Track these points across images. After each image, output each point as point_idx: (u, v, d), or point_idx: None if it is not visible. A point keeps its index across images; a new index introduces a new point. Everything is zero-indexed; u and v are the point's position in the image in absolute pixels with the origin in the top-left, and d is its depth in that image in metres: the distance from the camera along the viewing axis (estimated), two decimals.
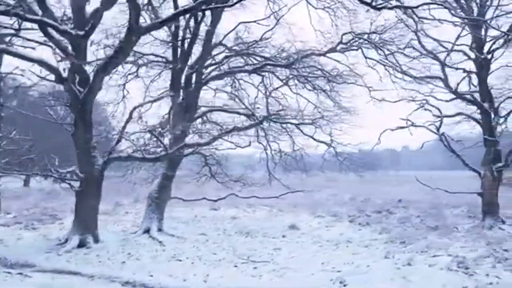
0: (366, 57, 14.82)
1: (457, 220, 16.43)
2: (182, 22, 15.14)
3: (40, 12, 9.83)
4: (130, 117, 11.32)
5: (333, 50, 14.63)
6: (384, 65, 14.81)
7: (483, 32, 14.76)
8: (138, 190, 20.82)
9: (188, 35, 14.86)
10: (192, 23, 14.79)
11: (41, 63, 9.94)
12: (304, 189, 17.72)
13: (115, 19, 11.58)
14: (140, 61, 15.91)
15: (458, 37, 14.52)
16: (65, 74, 10.07)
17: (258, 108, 16.10)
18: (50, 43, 10.00)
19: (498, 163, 14.92)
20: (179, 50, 14.78)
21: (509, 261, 9.14)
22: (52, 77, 10.51)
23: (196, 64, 14.34)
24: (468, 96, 15.38)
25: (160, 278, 8.71)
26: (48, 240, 12.53)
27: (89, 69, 11.29)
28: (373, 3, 8.48)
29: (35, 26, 10.20)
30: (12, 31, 11.80)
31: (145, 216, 14.04)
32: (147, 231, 13.46)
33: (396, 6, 9.29)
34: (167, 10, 14.60)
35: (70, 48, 10.75)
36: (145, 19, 13.38)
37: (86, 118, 11.41)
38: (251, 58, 16.40)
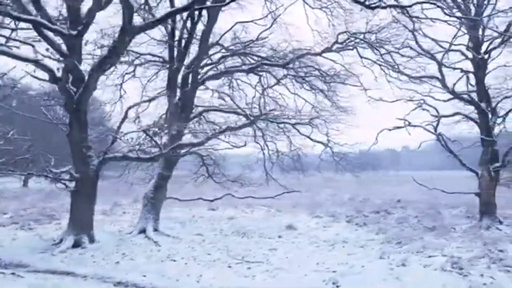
0: (361, 57, 14.79)
1: (455, 220, 16.39)
2: (179, 22, 15.20)
3: (34, 12, 9.79)
4: (125, 116, 11.28)
5: (328, 50, 14.58)
6: (380, 65, 14.77)
7: (480, 32, 14.70)
8: (137, 190, 20.81)
9: (185, 35, 14.85)
10: (189, 23, 14.80)
11: (35, 62, 9.91)
12: (303, 189, 17.70)
13: (111, 19, 11.50)
14: (137, 61, 15.94)
15: (455, 36, 14.47)
16: (59, 74, 10.05)
17: (255, 108, 16.10)
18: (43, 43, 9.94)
19: (495, 163, 14.87)
20: (175, 50, 14.75)
21: (504, 261, 9.11)
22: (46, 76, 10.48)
23: (192, 64, 14.30)
24: (465, 96, 15.33)
25: (152, 278, 8.70)
26: (43, 240, 12.49)
27: (84, 69, 11.29)
28: (367, 2, 8.47)
29: (30, 26, 10.15)
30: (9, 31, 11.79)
31: (141, 216, 14.03)
32: (142, 231, 13.44)
33: (389, 5, 9.25)
34: (164, 10, 14.63)
35: (65, 48, 10.74)
36: (143, 18, 13.33)
37: (81, 118, 11.39)
38: (248, 58, 16.36)
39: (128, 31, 9.10)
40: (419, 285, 8.06)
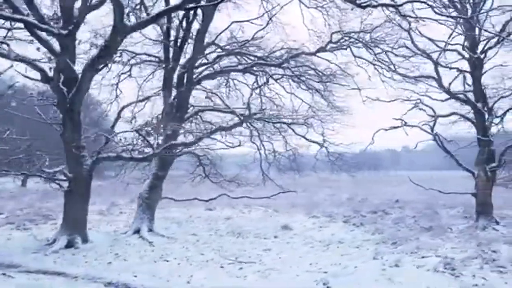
0: (355, 56, 14.74)
1: (452, 220, 16.31)
2: (175, 21, 15.19)
3: (25, 12, 9.76)
4: (119, 116, 11.25)
5: (323, 49, 14.53)
6: (374, 65, 14.72)
7: (476, 32, 14.64)
8: (134, 190, 20.78)
9: (181, 35, 14.82)
10: (184, 22, 14.79)
11: (27, 62, 9.89)
12: (300, 189, 17.64)
13: (104, 18, 11.47)
14: (133, 61, 15.93)
15: (451, 36, 14.40)
16: (51, 74, 10.02)
17: (251, 107, 16.04)
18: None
19: (492, 163, 14.80)
20: (171, 49, 14.73)
21: (496, 262, 9.06)
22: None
23: (188, 64, 14.28)
24: (461, 96, 15.27)
25: (143, 278, 8.65)
26: (37, 240, 12.44)
27: (78, 68, 11.26)
28: (358, 1, 8.42)
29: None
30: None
31: (135, 217, 14.00)
32: (137, 231, 13.40)
33: (380, 4, 9.20)
34: (160, 10, 14.61)
35: (58, 47, 10.71)
36: (136, 18, 13.31)
37: (75, 118, 11.36)
38: (244, 57, 16.33)
39: (119, 31, 9.06)
40: (410, 286, 8.01)
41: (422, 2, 10.15)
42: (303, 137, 15.83)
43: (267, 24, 15.01)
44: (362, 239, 13.13)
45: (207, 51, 15.65)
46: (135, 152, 11.57)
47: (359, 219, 17.29)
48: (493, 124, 15.61)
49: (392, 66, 14.90)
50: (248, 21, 15.69)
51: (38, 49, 9.98)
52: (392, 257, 10.10)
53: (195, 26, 15.06)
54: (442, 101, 16.15)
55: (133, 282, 8.42)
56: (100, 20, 11.70)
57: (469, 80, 15.70)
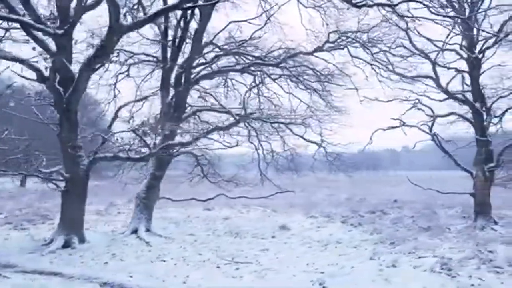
0: (352, 56, 14.72)
1: (450, 220, 16.29)
2: (174, 21, 15.18)
3: (21, 12, 9.75)
4: (116, 116, 11.23)
5: (320, 49, 14.51)
6: (371, 64, 14.69)
7: (474, 32, 14.61)
8: (133, 190, 20.74)
9: (180, 34, 14.81)
10: (182, 22, 14.77)
11: (22, 62, 9.87)
12: (299, 189, 17.58)
13: (100, 18, 11.44)
14: (130, 61, 15.90)
15: (448, 36, 14.39)
16: (46, 73, 10.00)
17: (249, 107, 16.05)
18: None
19: (490, 163, 14.77)
20: (169, 49, 14.72)
21: (493, 262, 9.03)
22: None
23: (185, 63, 14.26)
24: (459, 96, 15.24)
25: (139, 278, 8.62)
26: (34, 240, 12.45)
27: (74, 68, 11.25)
28: (353, 1, 8.40)
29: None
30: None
31: (133, 217, 13.99)
32: (134, 231, 13.40)
33: (376, 4, 9.17)
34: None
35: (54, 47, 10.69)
36: (133, 18, 13.28)
37: (72, 118, 11.34)
38: (243, 57, 16.30)
39: (115, 31, 9.04)
40: (406, 286, 8.00)
41: (417, 1, 10.12)
42: (301, 137, 15.81)
43: (265, 23, 14.99)
44: (360, 239, 13.11)
45: (205, 51, 15.62)
46: (132, 152, 11.54)
47: (357, 219, 17.27)
48: (491, 124, 15.58)
49: (390, 66, 14.87)
50: (246, 21, 15.66)
51: (33, 48, 9.96)
52: (390, 257, 10.08)
53: (193, 25, 15.09)
54: (441, 101, 16.12)
55: (129, 282, 8.39)
56: (96, 20, 11.66)
57: (468, 80, 15.68)
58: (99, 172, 35.18)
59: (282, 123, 15.13)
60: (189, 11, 14.02)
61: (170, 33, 14.91)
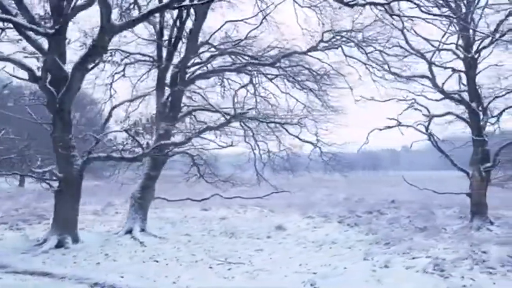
0: (346, 56, 14.67)
1: (447, 220, 16.22)
2: (170, 21, 15.16)
3: (14, 12, 9.73)
4: (110, 116, 11.21)
5: (314, 48, 14.47)
6: (365, 64, 14.64)
7: (471, 31, 14.54)
8: (130, 190, 20.75)
9: (175, 34, 14.78)
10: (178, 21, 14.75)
11: (14, 61, 9.84)
12: (296, 189, 17.51)
13: (93, 18, 11.41)
14: (126, 60, 15.88)
15: (444, 35, 14.34)
16: (39, 73, 9.98)
17: (245, 107, 16.02)
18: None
19: (486, 163, 14.71)
20: (164, 49, 14.70)
21: (486, 263, 8.98)
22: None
23: (180, 63, 14.24)
24: (456, 96, 15.18)
25: (130, 279, 8.59)
26: (28, 240, 12.39)
27: (69, 68, 11.21)
28: (345, 0, 8.36)
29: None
30: None
31: (128, 217, 13.96)
32: (129, 231, 13.35)
33: (367, 3, 9.13)
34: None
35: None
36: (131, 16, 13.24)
37: (65, 117, 11.31)
38: (239, 57, 16.27)
39: (107, 30, 9.02)
40: (398, 287, 7.95)
41: (408, 0, 10.07)
42: (297, 137, 15.76)
43: (261, 23, 14.94)
44: (356, 240, 13.06)
45: (200, 51, 15.59)
46: (126, 152, 11.51)
47: (353, 219, 17.20)
48: (488, 124, 15.53)
49: (385, 66, 14.82)
50: (242, 20, 15.64)
51: (24, 48, 9.94)
52: (383, 257, 10.02)
53: (189, 25, 15.05)
54: (437, 100, 16.05)
55: (120, 283, 8.35)
56: (89, 20, 11.63)
57: (464, 79, 15.61)
58: (98, 172, 35.20)
59: (277, 122, 15.09)
60: (184, 11, 13.96)
61: (166, 32, 14.92)
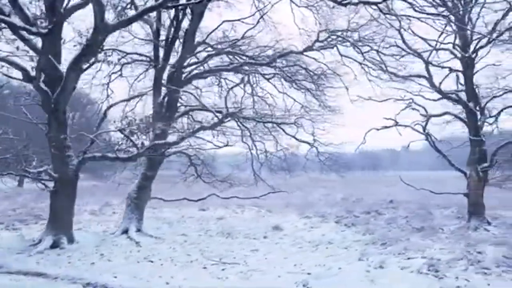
0: (341, 55, 14.64)
1: (444, 221, 16.17)
2: (167, 20, 15.13)
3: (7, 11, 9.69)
4: (105, 116, 11.17)
5: (310, 48, 14.44)
6: (361, 64, 14.61)
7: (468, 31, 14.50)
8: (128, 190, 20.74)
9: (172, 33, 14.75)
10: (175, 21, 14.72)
11: (8, 61, 9.81)
12: (294, 189, 17.46)
13: (87, 17, 11.38)
14: (124, 60, 15.86)
15: (441, 35, 14.29)
16: (33, 73, 9.95)
17: (243, 107, 16.02)
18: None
19: (483, 163, 14.65)
20: (161, 49, 14.67)
21: (481, 263, 8.93)
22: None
23: (177, 63, 14.21)
24: (453, 96, 15.13)
25: (123, 279, 8.56)
26: (24, 240, 12.36)
27: (64, 68, 11.18)
28: None
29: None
30: None
31: (124, 217, 13.94)
32: (125, 231, 13.33)
33: (360, 2, 9.09)
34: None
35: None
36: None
37: (60, 117, 11.28)
38: (237, 57, 16.24)
39: (101, 30, 8.99)
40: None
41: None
42: (293, 137, 15.75)
43: (258, 22, 14.94)
44: (352, 240, 13.01)
45: (197, 50, 15.56)
46: (121, 152, 11.48)
47: (351, 220, 17.18)
48: (486, 124, 15.47)
49: (382, 65, 14.77)
50: (239, 20, 15.62)
51: (17, 48, 9.91)
52: (378, 258, 9.97)
53: (186, 25, 15.01)
54: (435, 100, 16.00)
55: (113, 283, 8.33)
56: (85, 20, 11.60)
57: (462, 79, 15.56)
58: (98, 172, 35.16)
59: (273, 122, 15.06)
60: (180, 11, 13.94)
61: (163, 32, 14.87)
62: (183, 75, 14.98)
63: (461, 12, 13.66)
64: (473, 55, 14.59)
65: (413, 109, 16.01)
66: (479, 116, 14.95)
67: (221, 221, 17.76)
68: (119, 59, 15.47)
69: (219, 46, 15.80)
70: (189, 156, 15.25)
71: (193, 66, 15.40)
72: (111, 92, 16.57)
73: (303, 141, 15.85)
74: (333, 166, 16.25)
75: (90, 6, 10.97)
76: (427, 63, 14.51)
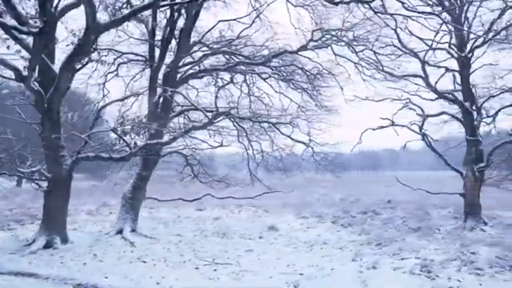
0: (336, 55, 14.59)
1: (441, 221, 16.06)
2: (164, 20, 15.09)
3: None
4: (98, 116, 11.14)
5: (304, 47, 14.39)
6: (355, 63, 14.55)
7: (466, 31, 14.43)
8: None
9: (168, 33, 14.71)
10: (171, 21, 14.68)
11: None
12: (292, 189, 17.40)
13: (79, 17, 11.34)
14: (120, 60, 15.83)
15: (437, 34, 14.23)
16: (25, 73, 9.91)
17: (240, 107, 16.01)
18: None
19: (480, 163, 14.58)
20: (157, 48, 14.63)
21: (475, 264, 8.87)
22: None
23: (172, 63, 14.17)
24: (449, 95, 15.06)
25: (114, 279, 8.53)
26: (18, 241, 12.33)
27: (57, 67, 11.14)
28: None
29: None
30: None
31: (119, 217, 13.90)
32: (120, 231, 13.29)
33: (352, 0, 9.04)
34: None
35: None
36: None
37: (53, 117, 11.24)
38: (232, 57, 16.19)
39: (92, 29, 8.95)
40: None
41: None
42: (288, 136, 15.70)
43: (253, 22, 14.88)
44: (348, 240, 12.98)
45: (193, 50, 15.52)
46: (115, 152, 11.45)
47: (347, 220, 17.11)
48: (483, 124, 15.41)
49: (378, 65, 14.71)
50: (235, 19, 15.55)
51: (8, 47, 9.88)
52: (372, 258, 9.91)
53: (181, 24, 14.96)
54: (432, 100, 15.94)
55: (103, 284, 8.29)
56: (76, 19, 11.56)
57: (459, 79, 15.49)
58: (97, 172, 35.17)
59: (268, 122, 15.01)
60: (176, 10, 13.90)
61: (159, 32, 14.84)
62: (179, 75, 14.93)
63: (457, 11, 13.57)
64: (470, 55, 14.51)
65: (410, 109, 15.94)
66: (475, 116, 14.87)
67: (217, 221, 17.72)
68: (115, 59, 15.47)
69: (215, 46, 15.74)
70: (185, 156, 15.24)
71: (189, 66, 15.35)
72: (108, 92, 16.50)
73: (299, 141, 15.80)
74: (328, 166, 16.21)
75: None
76: (424, 62, 14.44)
